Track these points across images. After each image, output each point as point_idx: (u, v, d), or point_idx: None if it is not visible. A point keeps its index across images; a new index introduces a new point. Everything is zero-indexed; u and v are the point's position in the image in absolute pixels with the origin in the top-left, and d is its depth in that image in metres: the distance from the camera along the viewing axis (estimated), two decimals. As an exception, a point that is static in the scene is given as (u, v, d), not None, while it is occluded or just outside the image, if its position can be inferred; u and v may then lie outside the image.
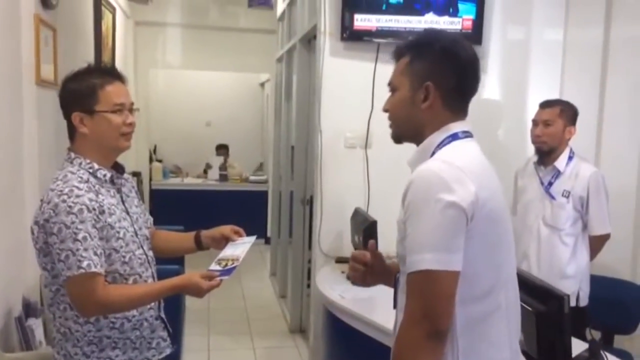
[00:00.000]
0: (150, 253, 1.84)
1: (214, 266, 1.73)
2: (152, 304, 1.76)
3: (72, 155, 1.70)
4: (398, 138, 1.45)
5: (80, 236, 1.55)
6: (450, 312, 1.23)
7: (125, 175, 1.85)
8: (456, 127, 1.37)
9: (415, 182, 1.27)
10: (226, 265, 1.72)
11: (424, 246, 1.22)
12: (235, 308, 5.06)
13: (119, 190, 1.76)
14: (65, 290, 1.62)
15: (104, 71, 1.74)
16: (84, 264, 1.54)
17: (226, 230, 1.89)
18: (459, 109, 1.39)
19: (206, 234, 1.93)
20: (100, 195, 1.65)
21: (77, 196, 1.58)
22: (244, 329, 4.59)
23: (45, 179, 2.54)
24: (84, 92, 1.67)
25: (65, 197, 1.57)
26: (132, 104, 1.75)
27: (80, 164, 1.68)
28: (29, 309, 2.41)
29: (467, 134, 1.38)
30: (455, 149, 1.34)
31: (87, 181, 1.64)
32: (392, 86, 1.43)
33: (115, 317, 1.68)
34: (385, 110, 1.45)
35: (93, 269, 1.55)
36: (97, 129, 1.68)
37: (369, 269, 1.56)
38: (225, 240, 1.88)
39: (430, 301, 1.22)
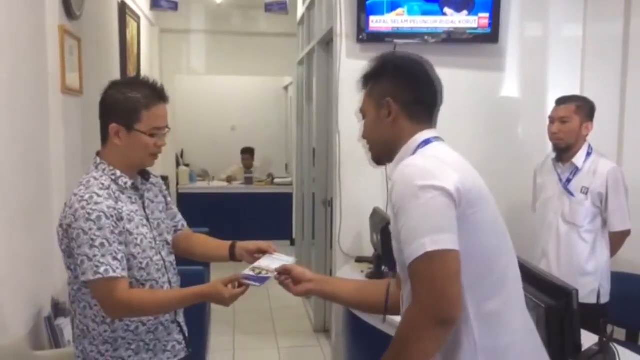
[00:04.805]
0: (170, 258, 1.85)
1: (248, 272, 1.69)
2: None
3: (98, 160, 1.74)
4: (377, 160, 1.51)
5: (97, 242, 1.58)
6: (459, 295, 1.22)
7: (153, 180, 1.87)
8: (427, 134, 1.41)
9: (398, 179, 1.30)
10: (260, 273, 1.69)
11: (419, 233, 1.23)
12: (260, 309, 5.12)
13: (141, 197, 1.79)
14: (87, 290, 1.67)
15: (152, 89, 1.72)
16: (102, 269, 1.58)
17: (263, 245, 1.86)
18: (424, 120, 1.43)
19: (242, 245, 1.91)
20: (119, 202, 1.68)
21: (96, 203, 1.61)
22: (269, 329, 4.65)
23: (71, 185, 2.61)
24: (128, 107, 1.68)
25: (84, 203, 1.61)
26: (167, 126, 1.77)
27: (104, 169, 1.72)
28: (57, 309, 2.50)
29: (439, 139, 1.42)
30: (431, 148, 1.39)
31: (108, 188, 1.68)
32: (362, 112, 1.50)
33: (131, 320, 1.72)
34: (363, 137, 1.50)
35: (111, 274, 1.58)
36: (130, 145, 1.70)
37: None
38: (257, 254, 1.85)
39: (438, 283, 1.21)
